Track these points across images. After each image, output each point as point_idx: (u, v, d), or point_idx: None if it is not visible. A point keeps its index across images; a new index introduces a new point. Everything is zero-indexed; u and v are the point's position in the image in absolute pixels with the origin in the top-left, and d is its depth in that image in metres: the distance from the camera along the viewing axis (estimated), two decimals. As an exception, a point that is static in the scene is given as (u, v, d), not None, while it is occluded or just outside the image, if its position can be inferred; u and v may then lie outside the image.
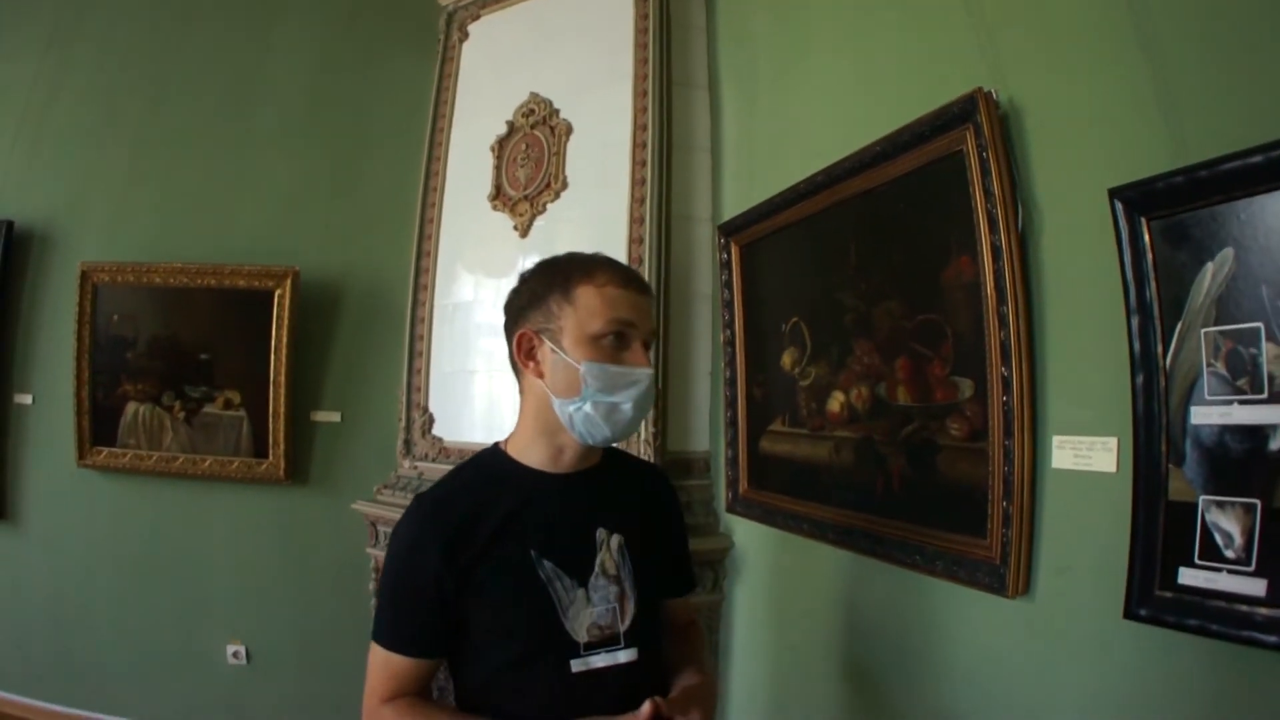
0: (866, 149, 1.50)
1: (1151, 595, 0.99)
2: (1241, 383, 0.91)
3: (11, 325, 2.93)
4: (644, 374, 1.03)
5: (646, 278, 1.99)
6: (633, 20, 2.27)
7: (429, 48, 2.83)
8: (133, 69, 3.01)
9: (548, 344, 1.04)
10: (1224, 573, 0.92)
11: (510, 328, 1.08)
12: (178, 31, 3.03)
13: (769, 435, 1.91)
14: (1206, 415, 0.94)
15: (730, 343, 2.05)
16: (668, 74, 2.21)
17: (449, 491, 1.08)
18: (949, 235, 1.33)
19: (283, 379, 2.76)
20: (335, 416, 2.91)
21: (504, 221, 2.44)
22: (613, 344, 1.02)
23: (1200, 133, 0.98)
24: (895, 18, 1.60)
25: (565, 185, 2.33)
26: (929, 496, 1.39)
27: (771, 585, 1.97)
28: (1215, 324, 0.94)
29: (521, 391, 1.10)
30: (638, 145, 2.18)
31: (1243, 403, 0.91)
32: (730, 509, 2.05)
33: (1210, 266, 0.94)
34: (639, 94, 2.21)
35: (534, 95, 2.46)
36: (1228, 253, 0.92)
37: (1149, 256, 1.01)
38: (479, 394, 2.49)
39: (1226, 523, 0.92)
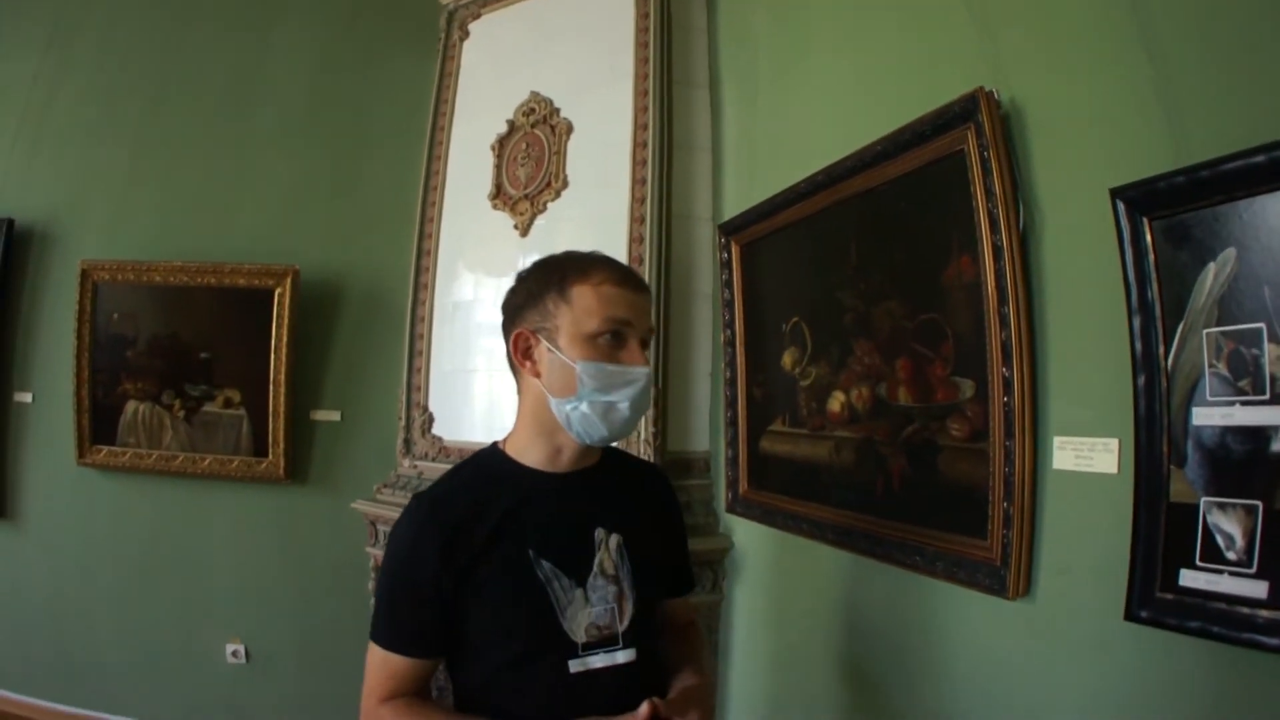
0: (867, 148, 1.50)
1: (1152, 597, 0.99)
2: (1243, 384, 0.90)
3: (11, 323, 2.93)
4: (641, 373, 1.02)
5: (647, 277, 1.99)
6: (633, 19, 2.26)
7: (429, 47, 2.83)
8: (133, 68, 3.01)
9: (544, 343, 1.03)
10: (1225, 575, 0.91)
11: (507, 327, 1.08)
12: (178, 31, 3.03)
13: (769, 435, 1.91)
14: (1208, 416, 0.94)
15: (730, 342, 2.04)
16: (668, 73, 2.21)
17: (447, 491, 1.07)
18: (950, 235, 1.32)
19: (283, 378, 2.76)
20: (335, 415, 2.91)
21: (504, 220, 2.44)
22: (609, 343, 1.01)
23: (1202, 132, 0.98)
24: (896, 17, 1.59)
25: (566, 184, 2.33)
26: (929, 497, 1.39)
27: (771, 585, 1.96)
28: (1217, 324, 0.93)
29: (519, 391, 1.10)
30: (638, 144, 2.17)
31: (1244, 404, 0.90)
32: (730, 509, 2.05)
33: (1212, 267, 0.94)
34: (639, 93, 2.21)
35: (534, 94, 2.46)
36: (1230, 253, 0.92)
37: (1150, 256, 1.00)
38: (479, 393, 2.49)
39: (1228, 524, 0.91)
